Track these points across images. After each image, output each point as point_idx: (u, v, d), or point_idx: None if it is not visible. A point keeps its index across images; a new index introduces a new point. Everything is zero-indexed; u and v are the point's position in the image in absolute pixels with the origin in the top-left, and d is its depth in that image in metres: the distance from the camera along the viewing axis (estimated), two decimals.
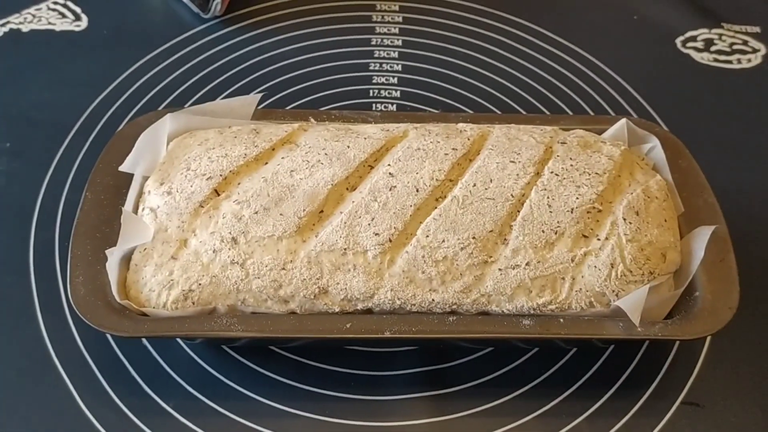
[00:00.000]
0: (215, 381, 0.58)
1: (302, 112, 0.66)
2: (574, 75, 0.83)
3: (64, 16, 0.87)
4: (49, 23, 0.86)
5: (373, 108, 0.78)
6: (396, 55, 0.85)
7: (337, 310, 0.54)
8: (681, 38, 0.88)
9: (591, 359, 0.60)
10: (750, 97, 0.81)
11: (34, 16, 0.86)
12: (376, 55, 0.85)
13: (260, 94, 0.68)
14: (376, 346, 0.59)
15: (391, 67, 0.84)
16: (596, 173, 0.58)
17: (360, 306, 0.54)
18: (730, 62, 0.85)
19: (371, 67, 0.83)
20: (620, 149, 0.60)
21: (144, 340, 0.59)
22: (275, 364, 0.59)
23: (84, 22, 0.86)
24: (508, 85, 0.82)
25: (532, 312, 0.54)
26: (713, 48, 0.87)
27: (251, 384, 0.58)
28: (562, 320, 0.53)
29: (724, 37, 0.87)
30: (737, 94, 0.81)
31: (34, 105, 0.76)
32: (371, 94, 0.80)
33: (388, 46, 0.88)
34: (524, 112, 0.77)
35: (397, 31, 0.90)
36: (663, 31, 0.88)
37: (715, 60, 0.86)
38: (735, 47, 0.87)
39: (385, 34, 0.89)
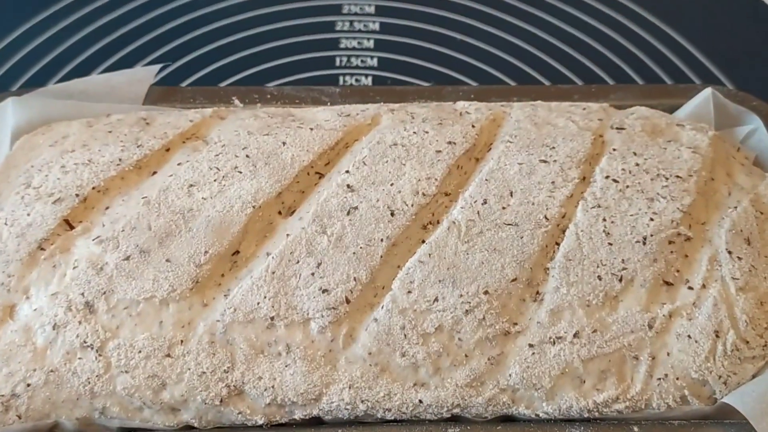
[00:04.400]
0: None
1: (222, 90, 0.52)
2: (623, 36, 0.69)
3: None
4: None
5: (341, 82, 0.65)
6: (372, 9, 0.72)
7: (260, 421, 0.39)
8: None
9: None
10: None
11: None
12: (345, 11, 0.72)
13: (157, 66, 0.50)
14: None
15: (365, 26, 0.71)
16: (677, 176, 0.45)
17: (299, 414, 0.40)
18: None
19: (339, 27, 0.70)
20: (708, 135, 0.47)
21: None
22: None
23: None
24: (532, 51, 0.68)
25: (586, 415, 0.40)
26: None
27: None
28: (636, 429, 0.38)
29: None
30: None
31: None
32: (338, 63, 0.67)
33: None
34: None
35: None
36: None
37: None
38: None
39: None
